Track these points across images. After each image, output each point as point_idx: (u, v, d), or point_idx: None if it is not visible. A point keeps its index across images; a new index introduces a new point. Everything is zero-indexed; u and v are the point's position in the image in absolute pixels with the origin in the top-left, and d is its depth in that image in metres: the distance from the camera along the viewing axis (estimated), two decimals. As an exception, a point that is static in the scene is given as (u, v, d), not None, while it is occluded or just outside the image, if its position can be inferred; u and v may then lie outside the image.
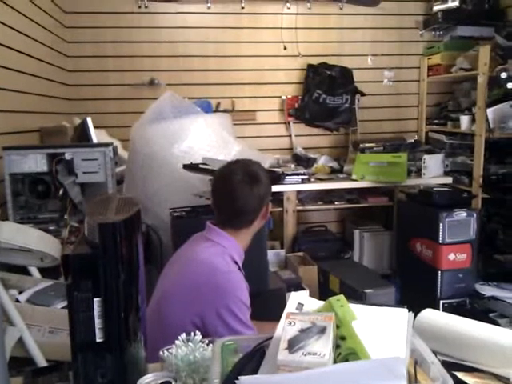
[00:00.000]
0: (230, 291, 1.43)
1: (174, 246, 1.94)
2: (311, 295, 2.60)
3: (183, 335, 1.05)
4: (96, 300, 0.89)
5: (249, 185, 1.53)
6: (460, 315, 2.51)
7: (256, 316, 1.77)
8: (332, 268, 2.84)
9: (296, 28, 3.75)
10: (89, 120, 2.56)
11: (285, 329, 1.16)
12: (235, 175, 1.54)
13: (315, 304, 1.39)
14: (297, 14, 3.75)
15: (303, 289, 2.61)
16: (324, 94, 3.71)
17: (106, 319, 0.90)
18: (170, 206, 2.33)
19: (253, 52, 3.75)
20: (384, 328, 1.30)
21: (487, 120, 3.07)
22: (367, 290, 2.50)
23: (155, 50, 3.61)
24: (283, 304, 1.45)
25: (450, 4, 3.65)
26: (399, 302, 2.64)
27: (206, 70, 3.69)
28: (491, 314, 2.51)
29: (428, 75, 3.88)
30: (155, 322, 1.42)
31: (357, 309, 1.33)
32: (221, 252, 1.50)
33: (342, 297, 1.35)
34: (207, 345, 1.06)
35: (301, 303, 1.38)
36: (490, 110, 3.06)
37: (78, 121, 2.87)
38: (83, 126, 2.56)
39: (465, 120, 3.33)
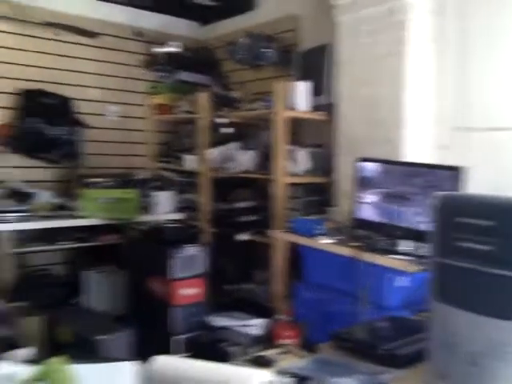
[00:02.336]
0: None
1: None
2: (35, 352, 2.28)
3: None
4: None
5: None
6: (195, 349, 2.58)
7: None
8: (60, 317, 2.57)
9: (4, 48, 3.35)
10: None
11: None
12: None
13: (28, 371, 1.16)
14: (6, 32, 3.34)
15: (25, 346, 2.26)
16: (43, 123, 3.38)
17: None
18: None
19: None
20: None
21: (210, 160, 3.33)
22: (100, 337, 2.36)
23: None
24: None
25: (171, 49, 3.86)
26: (136, 344, 2.56)
27: None
28: (223, 344, 2.65)
29: (154, 114, 3.96)
30: None
31: (79, 369, 1.17)
32: None
33: (61, 358, 1.17)
34: None
35: (12, 371, 1.14)
36: (212, 151, 3.33)
37: None
38: None
39: (191, 159, 3.52)
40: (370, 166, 2.39)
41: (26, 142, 3.33)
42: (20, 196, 3.13)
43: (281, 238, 2.76)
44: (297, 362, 1.55)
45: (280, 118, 2.85)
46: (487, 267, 0.97)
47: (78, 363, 1.19)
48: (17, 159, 3.37)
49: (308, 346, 1.78)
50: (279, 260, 2.80)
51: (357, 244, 2.26)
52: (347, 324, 1.78)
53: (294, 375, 1.37)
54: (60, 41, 3.59)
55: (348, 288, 2.24)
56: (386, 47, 2.56)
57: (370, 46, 2.64)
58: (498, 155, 2.31)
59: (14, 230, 2.86)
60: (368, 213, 2.39)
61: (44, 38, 3.51)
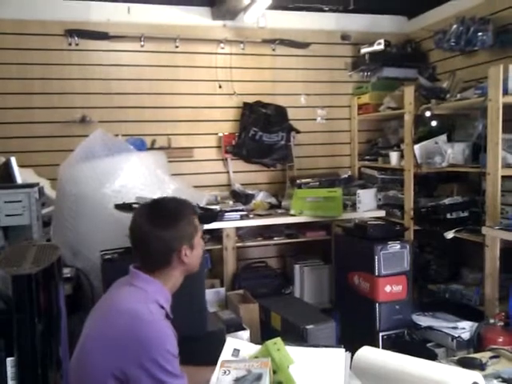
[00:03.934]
0: (155, 342, 1.32)
1: (105, 291, 1.83)
2: (252, 334, 2.57)
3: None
4: (9, 360, 0.81)
5: (154, 227, 1.46)
6: (399, 347, 2.55)
7: (194, 360, 1.70)
8: (273, 305, 2.82)
9: (231, 67, 3.82)
10: (13, 159, 2.42)
11: (219, 379, 1.11)
12: (143, 216, 1.49)
13: (252, 348, 1.36)
14: (231, 54, 3.82)
15: (244, 329, 2.55)
16: (260, 131, 3.76)
17: (20, 380, 0.81)
18: (101, 248, 2.22)
19: (188, 90, 3.75)
20: (321, 371, 1.29)
21: (415, 156, 3.22)
22: (308, 326, 2.50)
23: (87, 87, 3.52)
24: (223, 347, 1.40)
25: (376, 47, 3.87)
26: (340, 337, 2.65)
27: (141, 108, 3.65)
28: (429, 344, 2.56)
29: (358, 114, 4.03)
30: (75, 375, 1.33)
31: (294, 351, 1.32)
32: (144, 298, 1.40)
33: (278, 340, 1.33)
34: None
35: (237, 349, 1.35)
36: (416, 147, 3.22)
37: (2, 160, 2.71)
38: (7, 166, 2.41)
39: (394, 156, 3.48)
40: None
41: (248, 149, 3.76)
42: (242, 197, 3.56)
43: (495, 236, 2.52)
44: (509, 367, 1.50)
45: (496, 105, 2.61)
46: None
47: (292, 346, 1.33)
48: (239, 164, 3.83)
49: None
50: (491, 260, 2.56)
51: None
52: None
53: (504, 380, 1.36)
54: (274, 55, 3.94)
55: None
56: None
57: None
58: None
59: (236, 227, 3.26)
60: None
61: (261, 55, 3.91)
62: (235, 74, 3.83)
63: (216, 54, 3.79)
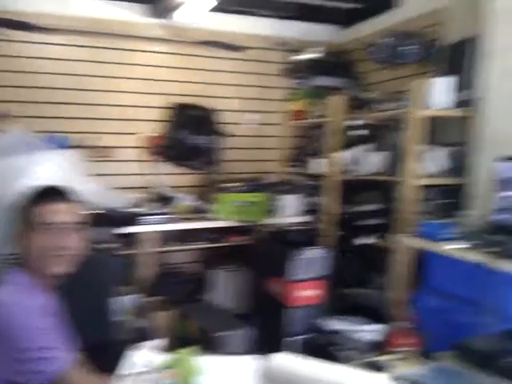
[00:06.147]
0: (18, 324, 1.28)
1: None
2: (167, 342, 2.47)
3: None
4: None
5: None
6: (311, 352, 2.53)
7: (101, 370, 1.61)
8: (189, 312, 2.78)
9: (163, 67, 3.73)
10: None
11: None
12: None
13: (163, 358, 1.30)
14: (165, 53, 3.73)
15: (157, 337, 2.46)
16: (189, 133, 3.68)
17: None
18: (6, 252, 2.07)
19: (118, 88, 3.62)
20: (234, 379, 1.29)
21: (339, 163, 3.25)
22: (223, 333, 2.49)
23: (11, 79, 3.31)
24: (132, 356, 1.33)
25: (309, 55, 3.91)
26: (255, 342, 2.63)
27: (66, 104, 3.47)
28: (338, 348, 2.56)
29: (288, 120, 4.05)
30: None
31: (207, 360, 1.30)
32: (6, 286, 1.40)
33: (191, 348, 1.30)
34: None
35: (147, 359, 1.29)
36: (341, 154, 3.26)
37: None
38: None
39: (319, 163, 3.51)
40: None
41: (175, 151, 3.67)
42: (165, 200, 3.46)
43: (404, 243, 2.58)
44: (414, 369, 1.54)
45: (414, 118, 2.69)
46: None
47: (204, 355, 1.32)
48: (166, 167, 3.72)
49: (426, 354, 1.70)
50: (400, 265, 2.62)
51: (491, 250, 2.03)
52: (470, 334, 1.66)
53: (410, 381, 1.38)
54: (208, 57, 3.88)
55: (473, 297, 2.06)
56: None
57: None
58: None
59: (156, 231, 3.15)
60: (506, 217, 2.10)
61: (194, 56, 3.83)
62: (167, 73, 3.75)
63: (150, 52, 3.69)
